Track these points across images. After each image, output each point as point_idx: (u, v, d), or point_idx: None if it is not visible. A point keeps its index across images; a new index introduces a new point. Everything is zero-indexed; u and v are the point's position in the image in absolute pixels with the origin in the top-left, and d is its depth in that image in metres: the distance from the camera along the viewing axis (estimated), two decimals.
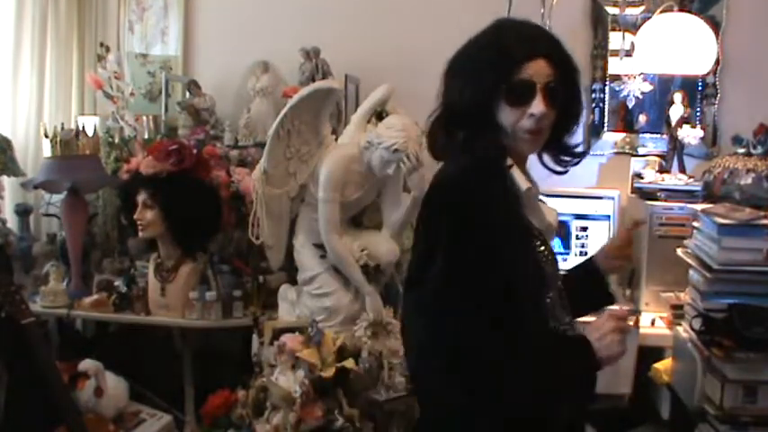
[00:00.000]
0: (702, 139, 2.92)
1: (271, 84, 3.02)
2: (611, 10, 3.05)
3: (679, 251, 2.38)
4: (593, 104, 3.12)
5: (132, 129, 3.03)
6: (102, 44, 3.16)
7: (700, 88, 3.03)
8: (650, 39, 2.73)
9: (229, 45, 3.25)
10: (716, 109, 3.05)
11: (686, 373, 2.18)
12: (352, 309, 2.47)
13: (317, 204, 2.46)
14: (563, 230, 2.89)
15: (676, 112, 2.86)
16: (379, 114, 2.65)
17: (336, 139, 2.62)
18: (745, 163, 2.66)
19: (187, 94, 3.12)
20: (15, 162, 2.87)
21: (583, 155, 1.41)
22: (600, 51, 3.10)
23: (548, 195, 2.83)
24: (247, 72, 3.10)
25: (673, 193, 2.73)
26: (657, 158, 2.95)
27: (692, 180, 2.78)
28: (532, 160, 1.39)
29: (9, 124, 3.00)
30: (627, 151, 3.10)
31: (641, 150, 3.08)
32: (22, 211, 3.02)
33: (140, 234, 2.70)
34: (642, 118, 3.08)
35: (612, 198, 2.90)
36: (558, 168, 1.41)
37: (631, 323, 2.43)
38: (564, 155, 1.40)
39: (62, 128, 2.82)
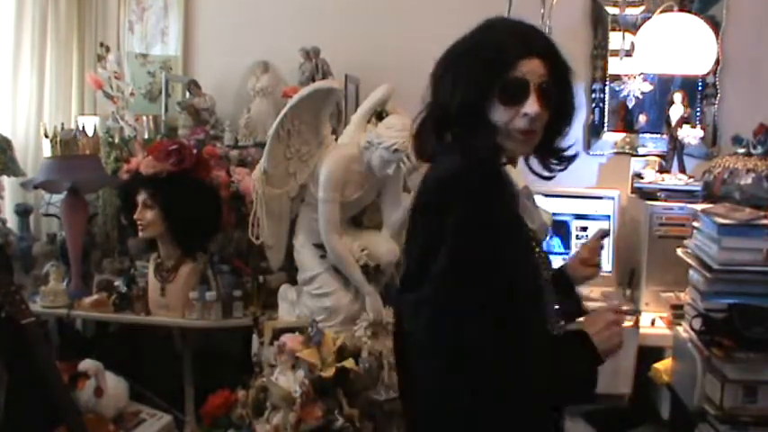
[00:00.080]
0: (702, 139, 2.92)
1: (271, 84, 3.02)
2: (611, 10, 3.05)
3: (679, 251, 2.38)
4: (593, 104, 3.12)
5: (132, 129, 3.03)
6: (102, 44, 3.16)
7: (700, 88, 3.03)
8: (650, 39, 2.73)
9: (229, 45, 3.25)
10: (716, 109, 3.05)
11: (686, 373, 2.18)
12: (352, 309, 2.47)
13: (316, 204, 2.46)
14: (563, 230, 2.89)
15: (676, 112, 2.86)
16: (379, 114, 2.65)
17: (336, 139, 2.62)
18: (745, 163, 2.66)
19: (187, 94, 3.12)
20: (15, 162, 2.87)
21: (572, 159, 1.39)
22: (600, 51, 3.10)
23: (548, 195, 2.89)
24: (247, 72, 3.10)
25: (673, 193, 2.72)
26: (657, 158, 2.95)
27: (692, 180, 2.78)
28: (519, 164, 1.36)
29: (9, 124, 3.00)
30: (627, 151, 3.10)
31: (641, 150, 3.08)
32: (22, 211, 3.02)
33: (140, 234, 2.69)
34: (642, 118, 3.08)
35: (612, 198, 2.90)
36: (545, 173, 1.39)
37: (630, 322, 2.44)
38: (553, 158, 1.37)
39: (62, 128, 2.82)
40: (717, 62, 2.93)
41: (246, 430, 2.30)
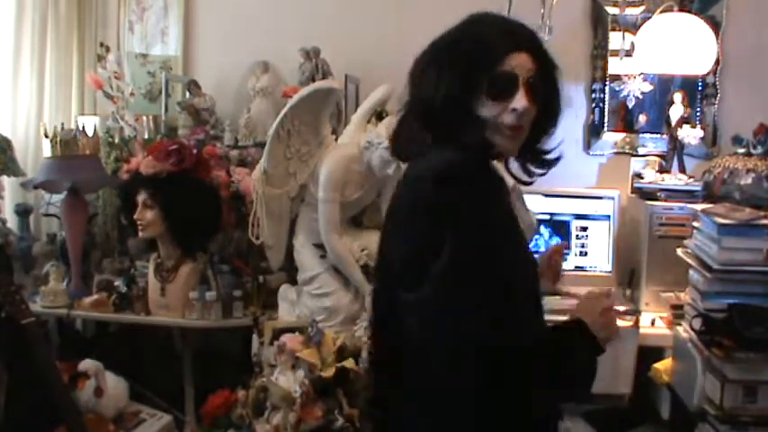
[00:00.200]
0: (702, 139, 2.91)
1: (271, 84, 3.02)
2: (611, 10, 3.05)
3: (679, 251, 2.38)
4: (593, 104, 3.12)
5: (132, 129, 3.03)
6: (102, 44, 3.16)
7: (700, 88, 3.03)
8: (650, 39, 2.73)
9: (229, 45, 3.24)
10: (716, 109, 3.05)
11: (686, 373, 2.18)
12: (352, 309, 2.47)
13: (317, 204, 2.46)
14: (563, 230, 2.89)
15: (676, 112, 2.86)
16: (379, 114, 2.65)
17: (336, 139, 2.62)
18: (745, 163, 2.66)
19: (187, 94, 3.12)
20: (15, 162, 2.87)
21: (554, 163, 1.35)
22: (600, 51, 3.10)
23: (548, 195, 2.88)
24: (247, 72, 3.10)
25: (673, 193, 2.72)
26: (657, 158, 2.95)
27: (692, 180, 2.78)
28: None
29: (9, 124, 3.00)
30: (627, 151, 3.10)
31: (641, 150, 3.08)
32: (22, 211, 3.02)
33: (140, 234, 2.69)
34: (642, 118, 3.08)
35: (612, 198, 2.90)
36: (525, 178, 1.36)
37: (630, 322, 2.45)
38: (534, 162, 1.34)
39: (62, 128, 2.82)
40: (717, 62, 2.93)
41: (246, 430, 2.30)
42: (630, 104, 3.09)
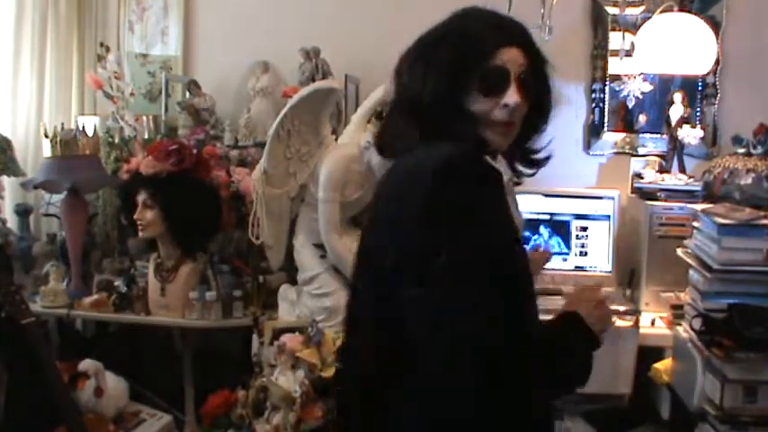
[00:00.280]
0: (702, 139, 2.91)
1: (271, 84, 3.03)
2: (611, 10, 3.05)
3: (679, 251, 2.38)
4: (593, 104, 3.11)
5: (132, 129, 3.03)
6: (102, 44, 3.16)
7: (700, 88, 3.03)
8: (650, 39, 2.73)
9: (229, 45, 3.24)
10: (716, 109, 3.05)
11: (686, 373, 2.18)
12: None
13: (317, 204, 2.46)
14: (563, 230, 2.89)
15: (676, 112, 2.86)
16: (379, 114, 2.64)
17: (336, 139, 2.62)
18: (745, 163, 2.66)
19: (187, 94, 3.13)
20: (15, 162, 2.87)
21: (543, 162, 1.34)
22: (600, 51, 3.09)
23: (548, 195, 2.88)
24: (247, 72, 3.10)
25: (673, 193, 2.72)
26: (657, 158, 2.95)
27: (692, 180, 2.78)
28: None
29: (9, 124, 3.00)
30: (627, 151, 3.10)
31: (641, 150, 3.08)
32: (22, 211, 3.02)
33: (140, 234, 2.70)
34: (642, 118, 3.08)
35: (612, 198, 2.90)
36: (514, 179, 1.35)
37: (630, 322, 2.45)
38: (522, 161, 1.33)
39: (62, 128, 2.82)
40: (717, 62, 2.93)
41: (246, 430, 2.29)
42: (630, 104, 3.09)
